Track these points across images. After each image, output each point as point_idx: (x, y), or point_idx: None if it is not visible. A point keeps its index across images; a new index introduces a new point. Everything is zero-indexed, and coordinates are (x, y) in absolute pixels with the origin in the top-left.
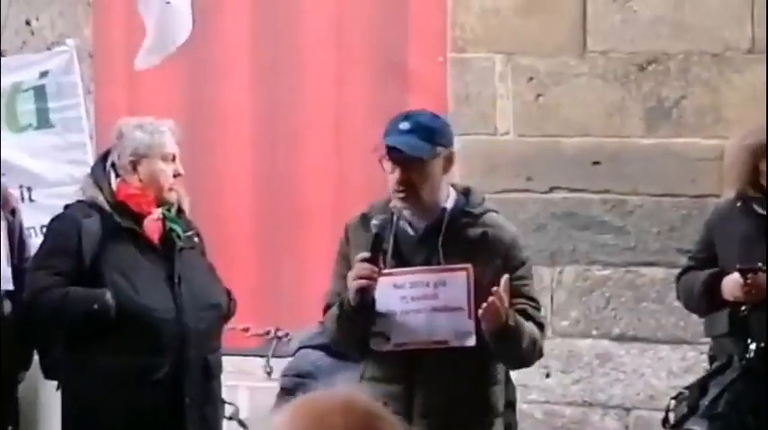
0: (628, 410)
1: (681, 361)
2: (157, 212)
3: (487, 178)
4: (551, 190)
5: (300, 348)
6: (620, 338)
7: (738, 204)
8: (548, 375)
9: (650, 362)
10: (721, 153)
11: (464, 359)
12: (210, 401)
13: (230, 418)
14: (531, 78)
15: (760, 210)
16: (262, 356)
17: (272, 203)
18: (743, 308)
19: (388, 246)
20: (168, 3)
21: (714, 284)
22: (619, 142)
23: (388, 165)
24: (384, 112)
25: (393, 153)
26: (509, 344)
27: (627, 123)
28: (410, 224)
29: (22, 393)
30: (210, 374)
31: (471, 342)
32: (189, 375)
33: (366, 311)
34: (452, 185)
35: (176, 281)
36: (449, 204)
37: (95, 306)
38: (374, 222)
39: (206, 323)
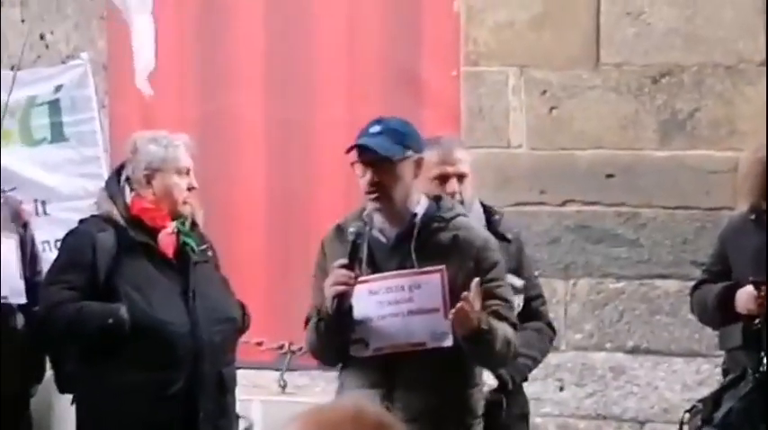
0: (642, 423)
1: (695, 374)
2: (172, 226)
3: (501, 191)
4: (565, 203)
5: None
6: (634, 351)
7: (752, 217)
8: (561, 388)
9: (664, 375)
10: (735, 165)
11: (442, 362)
12: (225, 415)
13: None
14: (545, 91)
15: None
16: (276, 370)
17: (285, 217)
18: (756, 321)
19: (363, 255)
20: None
21: (728, 297)
22: (632, 155)
23: (359, 168)
24: None
25: (364, 154)
26: (482, 348)
27: (640, 136)
28: (382, 232)
29: (36, 406)
30: (225, 388)
31: (449, 342)
32: (204, 389)
33: (343, 318)
34: (424, 194)
35: (191, 295)
36: (419, 210)
37: (110, 320)
38: (351, 229)
39: (221, 337)
